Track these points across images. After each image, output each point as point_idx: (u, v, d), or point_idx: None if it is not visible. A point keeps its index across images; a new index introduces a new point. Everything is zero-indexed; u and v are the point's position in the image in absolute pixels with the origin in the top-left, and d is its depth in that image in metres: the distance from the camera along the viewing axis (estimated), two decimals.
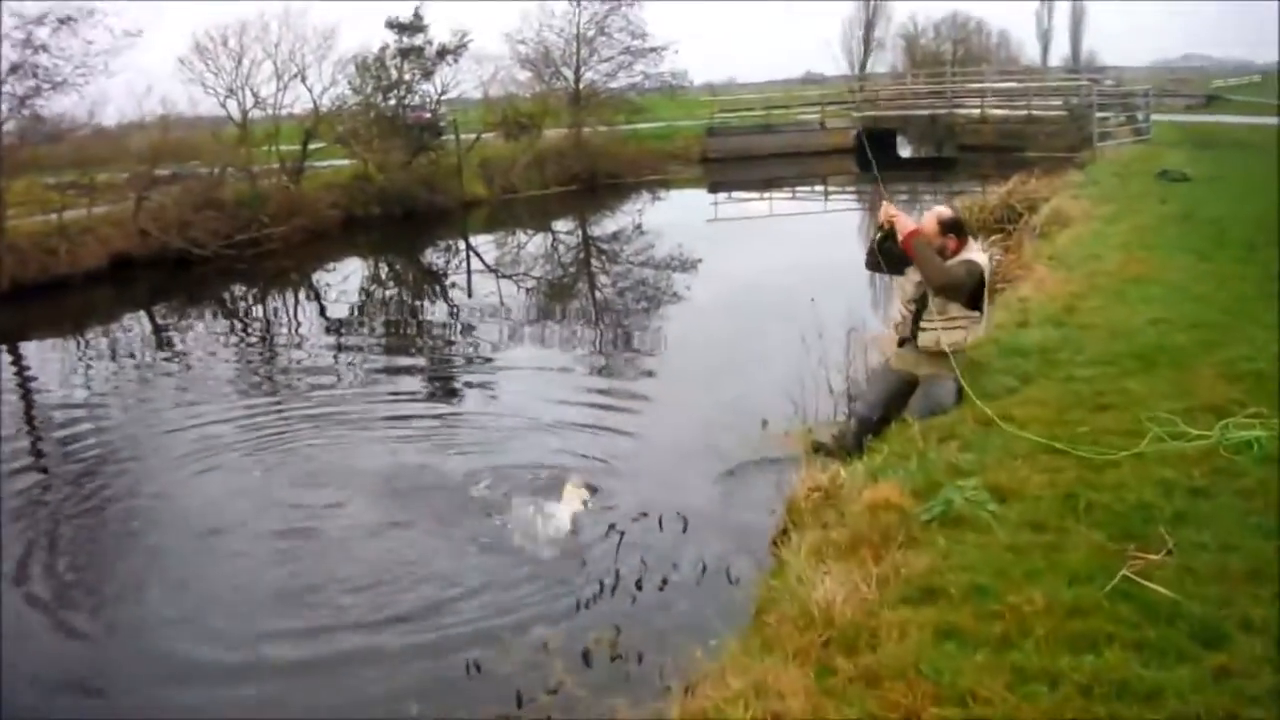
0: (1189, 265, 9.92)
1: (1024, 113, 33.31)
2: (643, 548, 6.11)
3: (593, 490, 6.95)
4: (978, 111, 34.55)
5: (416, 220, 25.37)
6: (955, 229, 6.41)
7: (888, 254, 6.47)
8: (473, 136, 28.60)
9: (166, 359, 13.59)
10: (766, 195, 28.87)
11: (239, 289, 19.13)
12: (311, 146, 24.24)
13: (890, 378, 6.73)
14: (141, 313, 17.14)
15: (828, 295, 11.57)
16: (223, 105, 24.42)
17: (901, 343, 6.66)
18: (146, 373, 12.82)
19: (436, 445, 8.64)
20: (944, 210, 6.54)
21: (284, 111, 24.90)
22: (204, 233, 19.48)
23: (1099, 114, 27.20)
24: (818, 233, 22.11)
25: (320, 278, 20.35)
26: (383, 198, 24.54)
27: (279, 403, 10.54)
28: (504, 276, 19.08)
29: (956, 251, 6.37)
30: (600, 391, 10.18)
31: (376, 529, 6.84)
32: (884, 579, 4.12)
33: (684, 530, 6.27)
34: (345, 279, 19.89)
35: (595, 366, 11.84)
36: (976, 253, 6.48)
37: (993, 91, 36.59)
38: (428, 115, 27.79)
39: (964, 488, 4.80)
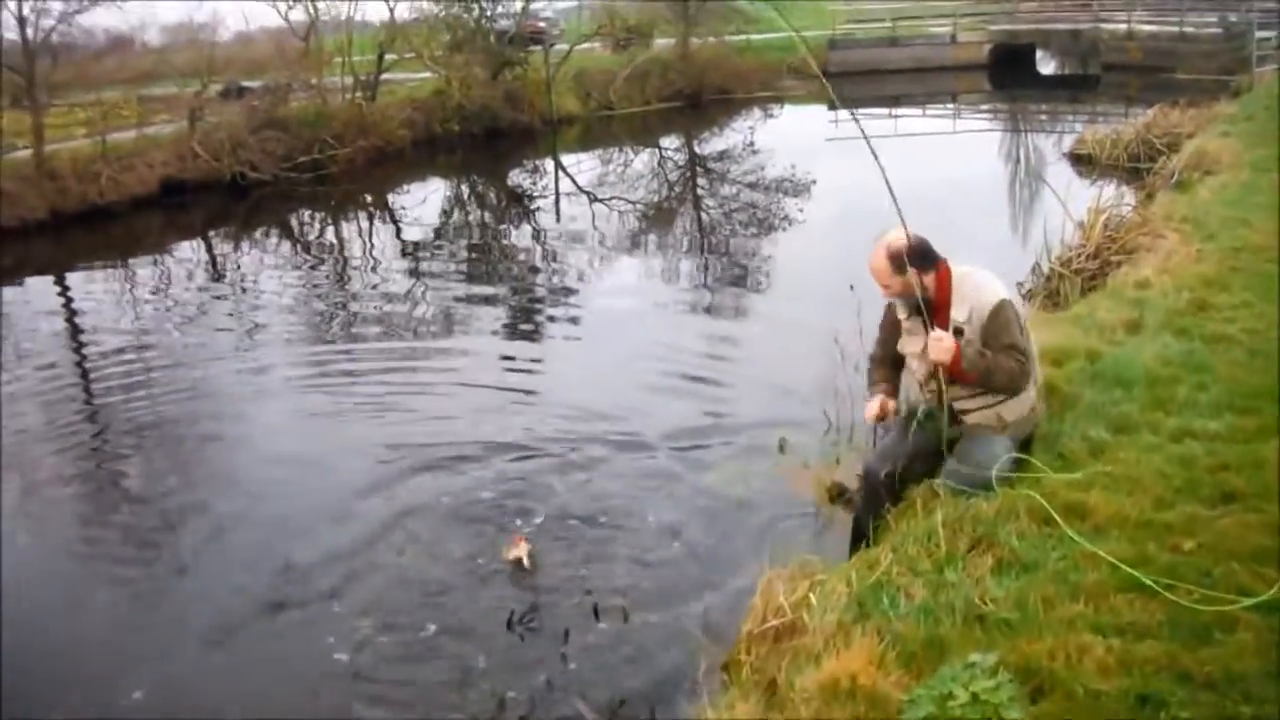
0: None
1: (1175, 29, 29.96)
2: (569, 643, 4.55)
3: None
4: (1124, 26, 31.27)
5: (501, 139, 23.85)
6: (920, 258, 4.28)
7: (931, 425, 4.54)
8: (565, 49, 26.79)
9: (222, 288, 12.65)
10: (892, 113, 26.42)
11: (305, 214, 18.07)
12: (388, 59, 22.73)
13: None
14: (196, 240, 16.17)
15: (954, 222, 10.09)
16: (284, 19, 22.95)
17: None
18: (201, 302, 11.86)
19: (511, 390, 7.98)
20: (894, 239, 4.31)
21: (359, 18, 23.42)
22: (262, 155, 18.28)
23: (1259, 34, 23.97)
24: (947, 155, 20.09)
25: (393, 201, 19.16)
26: (463, 115, 22.96)
27: (344, 336, 10.10)
28: (598, 200, 17.64)
29: (940, 289, 4.34)
30: (690, 340, 9.04)
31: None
32: None
33: (624, 620, 4.65)
34: (421, 202, 18.64)
35: (692, 303, 10.78)
36: (979, 285, 4.34)
37: (1142, 4, 33.07)
38: (540, 24, 26.24)
39: (978, 669, 3.04)
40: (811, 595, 3.77)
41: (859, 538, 4.65)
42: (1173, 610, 3.31)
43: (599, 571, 5.09)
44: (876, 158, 3.97)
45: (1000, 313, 4.26)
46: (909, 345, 4.51)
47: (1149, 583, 3.42)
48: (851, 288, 8.14)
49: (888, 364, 4.74)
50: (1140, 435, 4.65)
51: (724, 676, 3.81)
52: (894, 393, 4.73)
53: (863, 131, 4.00)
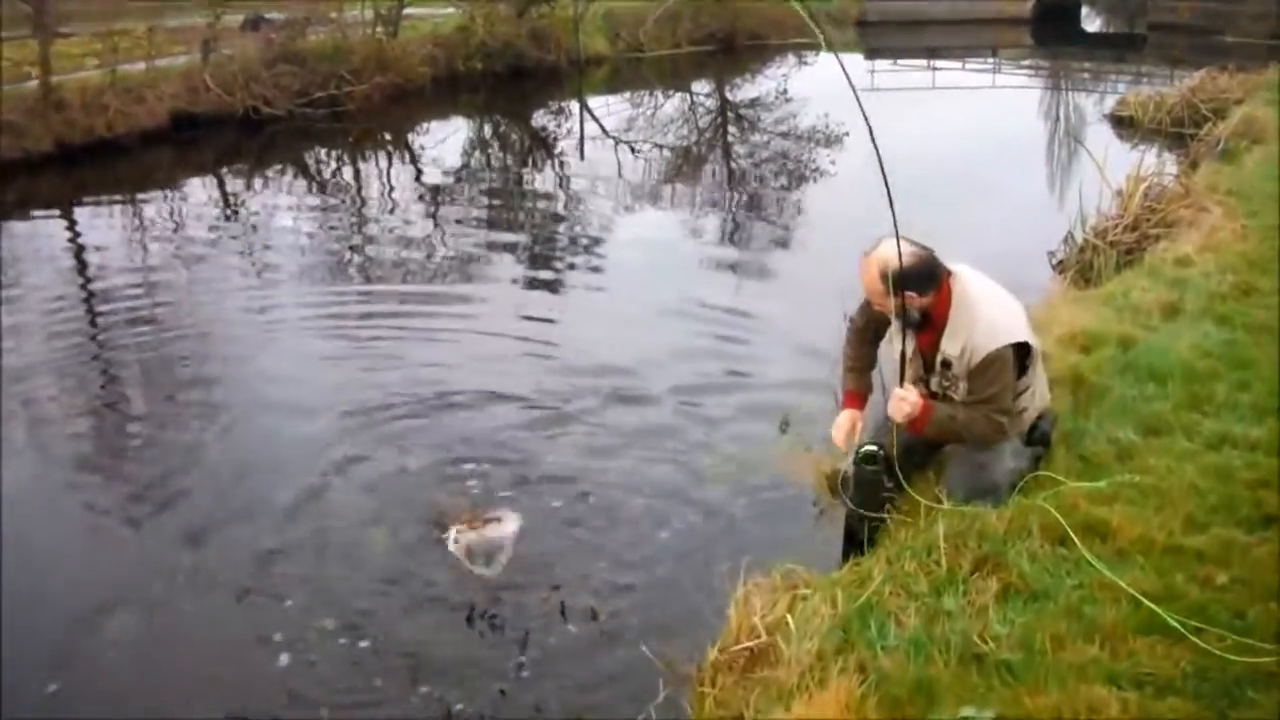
0: None
1: None
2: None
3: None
4: None
5: (525, 79, 23.19)
6: (923, 280, 3.73)
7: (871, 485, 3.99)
8: None
9: (233, 226, 12.23)
10: (931, 65, 25.59)
11: (320, 151, 17.62)
12: None
13: None
14: (207, 176, 15.75)
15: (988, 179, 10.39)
16: None
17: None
18: (211, 239, 11.45)
19: (524, 339, 7.59)
20: (884, 256, 3.72)
21: None
22: (276, 90, 17.77)
23: None
24: (985, 110, 19.43)
25: (413, 140, 18.67)
26: (486, 53, 22.33)
27: (357, 278, 9.76)
28: (624, 144, 17.08)
29: (938, 309, 3.81)
30: (713, 294, 8.58)
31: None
32: None
33: (593, 619, 4.24)
34: (441, 142, 18.12)
35: (717, 257, 10.32)
36: (979, 321, 3.76)
37: None
38: None
39: None
40: (789, 617, 3.35)
41: (852, 540, 4.23)
42: (1201, 659, 2.88)
43: (574, 559, 4.68)
44: (867, 120, 3.46)
45: (993, 364, 3.74)
46: (892, 348, 4.02)
47: (1175, 624, 2.99)
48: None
49: (868, 337, 4.22)
50: (1173, 439, 4.20)
51: (686, 706, 3.40)
52: (866, 393, 4.29)
53: (850, 82, 3.48)
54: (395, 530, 4.92)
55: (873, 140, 3.44)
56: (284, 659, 4.04)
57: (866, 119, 3.46)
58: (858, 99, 3.48)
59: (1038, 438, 4.25)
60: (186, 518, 5.12)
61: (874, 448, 3.93)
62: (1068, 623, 3.07)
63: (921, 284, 3.72)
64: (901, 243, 3.66)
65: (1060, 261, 8.44)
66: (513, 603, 4.38)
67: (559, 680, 3.86)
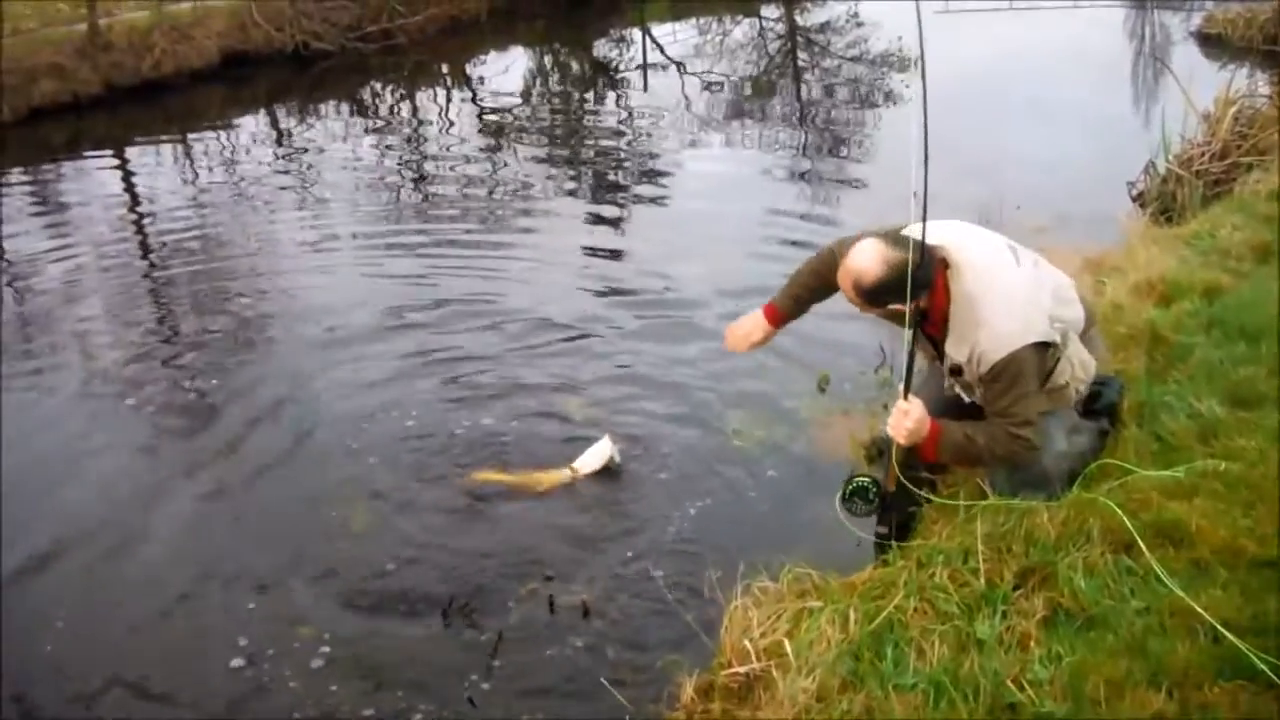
0: None
1: None
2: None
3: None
4: None
5: (585, 6, 22.48)
6: (897, 293, 3.09)
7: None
8: None
9: (288, 161, 11.88)
10: None
11: (375, 85, 17.22)
12: None
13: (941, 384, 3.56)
14: (260, 112, 15.45)
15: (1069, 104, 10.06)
16: None
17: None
18: (263, 175, 11.13)
19: (584, 270, 7.30)
20: (858, 268, 3.15)
21: None
22: (326, 24, 17.34)
23: None
24: (1066, 29, 17.86)
25: (470, 72, 18.17)
26: None
27: (414, 212, 9.35)
28: (690, 74, 16.31)
29: (935, 309, 3.21)
30: (779, 229, 8.07)
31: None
32: None
33: (584, 616, 3.72)
34: (502, 73, 17.58)
35: (790, 192, 9.59)
36: (984, 325, 3.14)
37: None
38: None
39: None
40: (788, 641, 2.80)
41: (889, 531, 3.66)
42: None
43: (575, 537, 4.19)
44: (923, 52, 2.84)
45: (1003, 371, 3.11)
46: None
47: (1265, 668, 2.38)
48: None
49: (833, 279, 3.46)
50: (1267, 413, 3.52)
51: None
52: (788, 317, 3.80)
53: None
54: (408, 488, 4.57)
55: (924, 83, 2.86)
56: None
57: (923, 51, 2.90)
58: (920, 24, 2.93)
59: (1102, 408, 3.63)
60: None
61: (865, 479, 3.35)
62: (1130, 662, 2.48)
63: (902, 293, 3.09)
64: (880, 245, 3.14)
65: (1140, 194, 7.66)
66: (502, 580, 3.91)
67: (528, 696, 3.36)
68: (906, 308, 3.12)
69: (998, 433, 3.14)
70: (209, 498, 4.62)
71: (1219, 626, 2.50)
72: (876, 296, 3.18)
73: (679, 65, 17.24)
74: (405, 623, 3.75)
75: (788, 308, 3.79)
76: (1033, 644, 2.59)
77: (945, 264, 3.18)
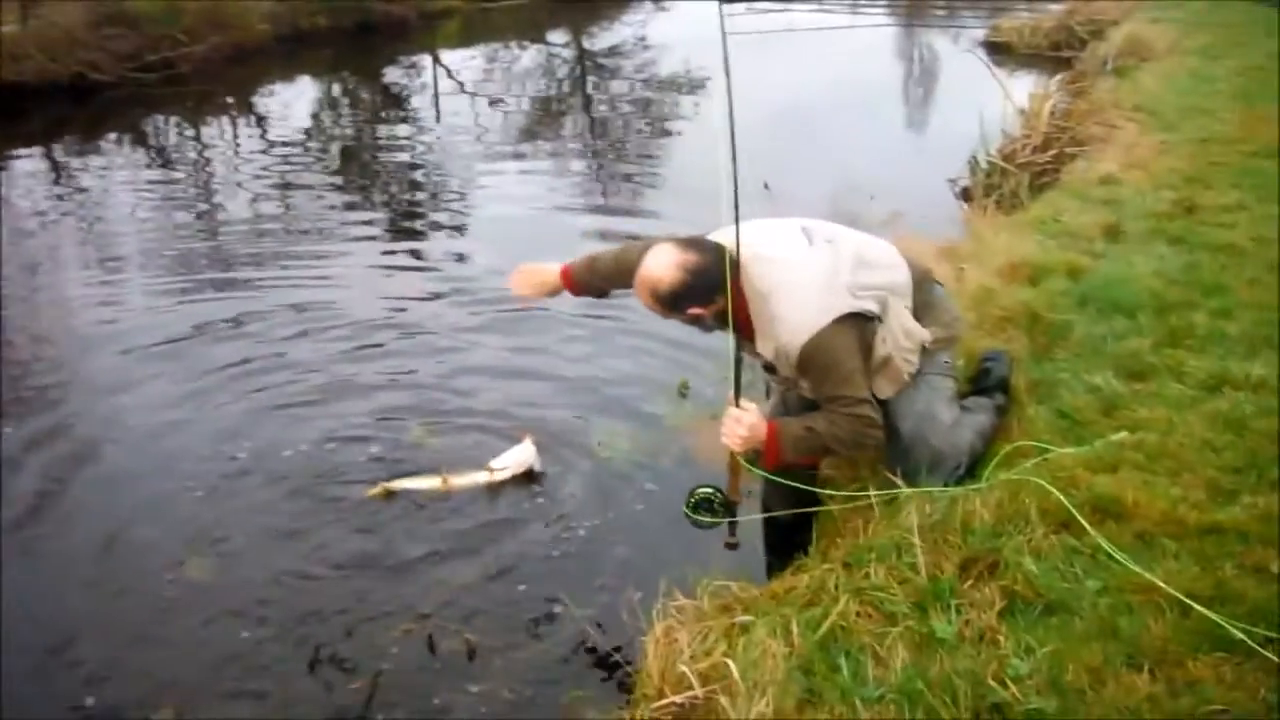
0: None
1: None
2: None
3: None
4: None
5: (373, 34, 21.88)
6: (695, 296, 3.01)
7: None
8: None
9: (68, 203, 10.56)
10: (786, 6, 24.93)
11: (158, 119, 16.13)
12: None
13: None
14: (35, 149, 14.19)
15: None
16: None
17: None
18: (44, 221, 9.89)
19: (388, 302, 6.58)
20: (652, 276, 3.02)
21: None
22: (105, 54, 16.21)
23: None
24: (844, 49, 18.65)
25: (257, 103, 17.26)
26: (331, 8, 20.93)
27: (205, 253, 8.37)
28: (482, 96, 16.12)
29: (741, 312, 3.01)
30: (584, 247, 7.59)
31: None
32: None
33: (469, 660, 3.33)
34: (288, 105, 16.80)
35: (585, 205, 9.48)
36: (778, 319, 3.00)
37: None
38: None
39: None
40: (731, 661, 2.52)
41: (775, 539, 3.46)
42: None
43: (451, 574, 3.80)
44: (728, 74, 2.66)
45: (813, 357, 2.97)
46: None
47: (1241, 635, 2.26)
48: (766, 186, 7.03)
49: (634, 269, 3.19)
50: (1162, 383, 3.50)
51: None
52: (581, 283, 3.61)
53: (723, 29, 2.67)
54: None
55: (728, 82, 2.67)
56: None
57: (728, 72, 2.78)
58: (725, 48, 2.90)
59: (993, 383, 3.54)
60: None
61: (708, 490, 3.15)
62: (1103, 644, 2.31)
63: (701, 296, 3.02)
64: (674, 249, 3.03)
65: (964, 189, 7.82)
66: (377, 619, 3.49)
67: None
68: (701, 312, 3.04)
69: (835, 417, 2.97)
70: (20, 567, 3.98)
71: (1189, 601, 2.36)
72: (675, 302, 3.05)
73: (471, 92, 17.03)
74: (261, 678, 3.27)
75: (584, 280, 3.60)
76: (1000, 637, 2.39)
77: (737, 266, 3.00)
